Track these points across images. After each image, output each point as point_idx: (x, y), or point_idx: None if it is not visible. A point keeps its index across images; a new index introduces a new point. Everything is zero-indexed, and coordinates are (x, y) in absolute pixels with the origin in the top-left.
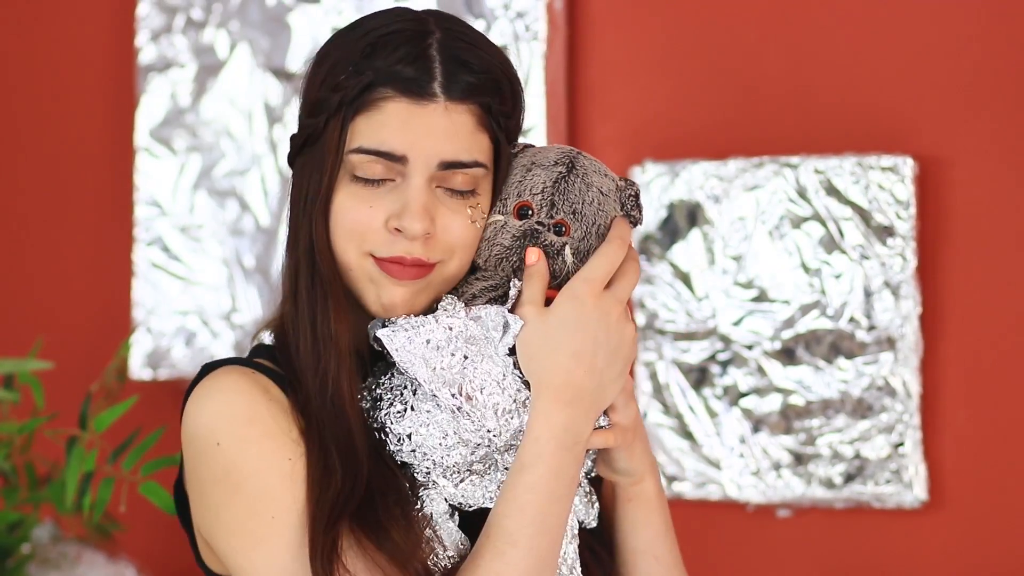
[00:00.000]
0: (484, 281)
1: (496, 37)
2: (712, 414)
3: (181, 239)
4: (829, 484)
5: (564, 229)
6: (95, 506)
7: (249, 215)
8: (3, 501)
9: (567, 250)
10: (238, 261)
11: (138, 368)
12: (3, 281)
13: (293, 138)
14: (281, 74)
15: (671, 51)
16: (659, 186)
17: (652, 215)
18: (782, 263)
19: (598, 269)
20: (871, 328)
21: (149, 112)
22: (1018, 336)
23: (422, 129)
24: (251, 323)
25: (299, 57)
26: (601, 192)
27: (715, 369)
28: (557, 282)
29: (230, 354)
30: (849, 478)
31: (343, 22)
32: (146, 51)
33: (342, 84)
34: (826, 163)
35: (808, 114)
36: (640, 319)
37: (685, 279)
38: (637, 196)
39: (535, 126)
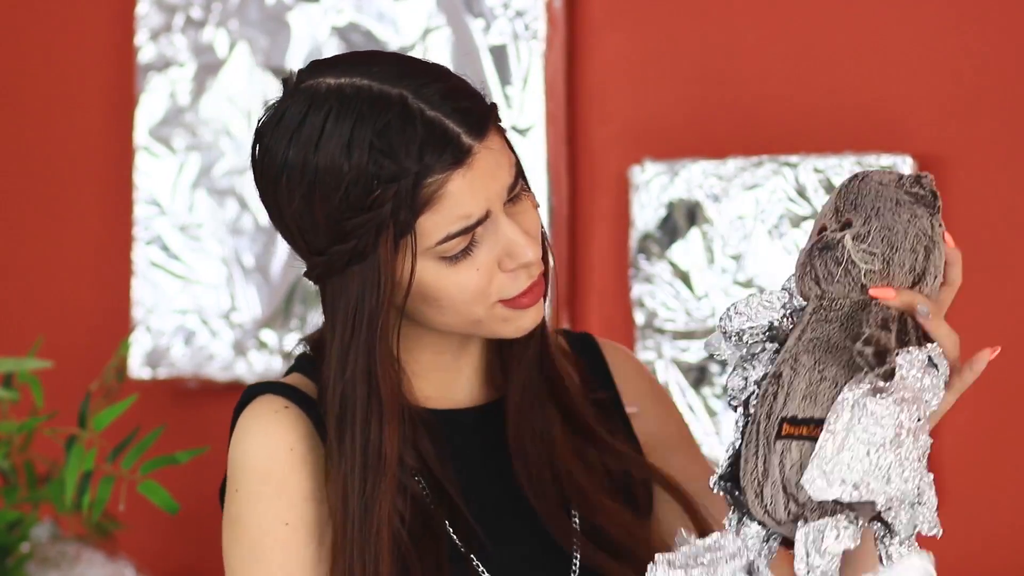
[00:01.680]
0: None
1: (495, 36)
2: (711, 413)
3: (180, 238)
4: None
5: (851, 224)
6: (94, 505)
7: (248, 214)
8: (2, 500)
9: (846, 236)
10: (237, 260)
11: (137, 367)
12: (2, 280)
13: (317, 264)
14: (280, 73)
15: (670, 50)
16: (658, 185)
17: (651, 214)
18: (781, 262)
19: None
20: None
21: (148, 111)
22: (1017, 335)
23: (483, 181)
24: (250, 322)
25: (299, 56)
26: (880, 183)
27: (714, 368)
28: (841, 269)
29: (228, 352)
30: None
31: (342, 21)
32: (145, 50)
33: (378, 200)
34: (825, 162)
35: (807, 113)
36: (639, 318)
37: (684, 278)
38: (919, 177)
39: (534, 125)
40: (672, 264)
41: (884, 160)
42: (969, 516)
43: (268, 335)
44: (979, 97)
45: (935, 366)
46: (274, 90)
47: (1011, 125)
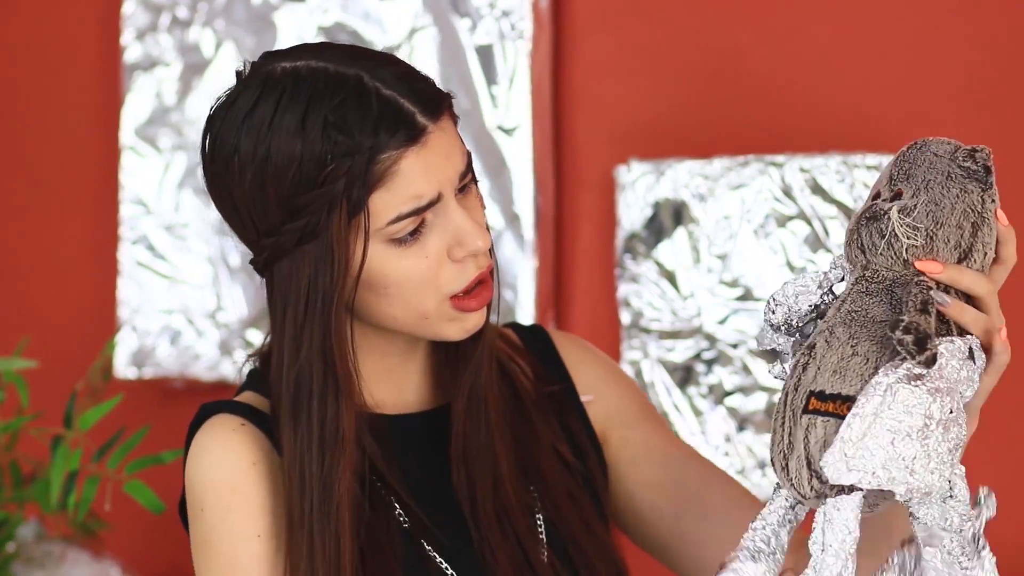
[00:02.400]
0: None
1: (481, 36)
2: (697, 413)
3: (166, 238)
4: None
5: (900, 196)
6: (80, 505)
7: None
8: None
9: (893, 209)
10: (223, 260)
11: (123, 367)
12: None
13: (265, 247)
14: None
15: (657, 50)
16: (644, 185)
17: (637, 214)
18: (767, 262)
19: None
20: None
21: (134, 111)
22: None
23: (437, 162)
24: (236, 322)
25: None
26: (935, 154)
27: (700, 368)
28: (884, 242)
29: (214, 352)
30: None
31: (328, 21)
32: (131, 50)
33: (331, 175)
34: (811, 162)
35: (793, 113)
36: (625, 318)
37: (670, 278)
38: (973, 150)
39: (520, 125)
40: (658, 264)
41: (869, 160)
42: None
43: (254, 335)
44: (964, 96)
45: (973, 359)
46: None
47: (995, 124)
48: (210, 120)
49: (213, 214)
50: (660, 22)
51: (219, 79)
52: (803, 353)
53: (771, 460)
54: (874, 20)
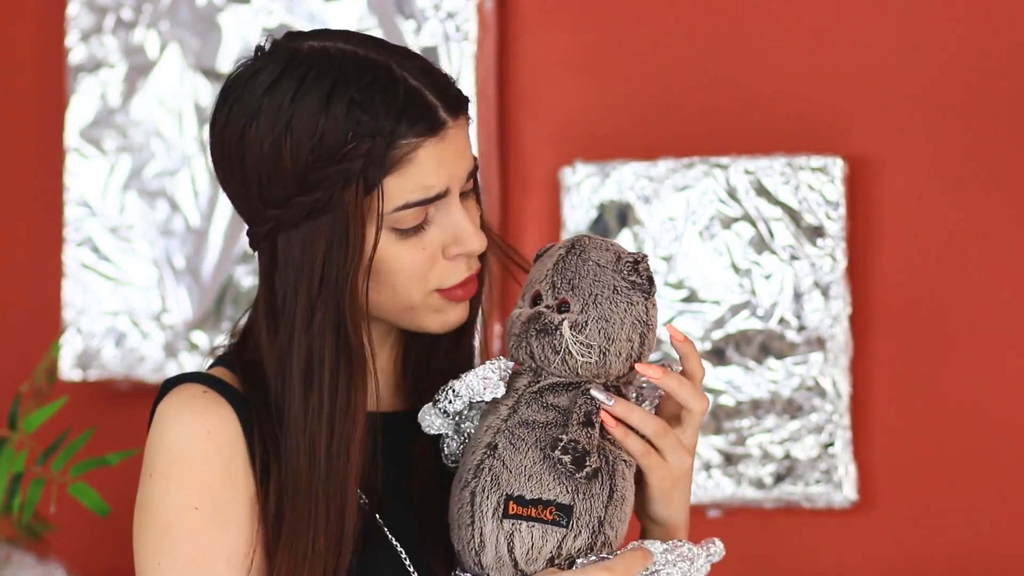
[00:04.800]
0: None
1: (426, 38)
2: None
3: (111, 240)
4: (759, 484)
5: (567, 307)
6: (25, 507)
7: (179, 215)
8: None
9: (565, 325)
10: (168, 262)
11: (68, 369)
12: None
13: (270, 218)
14: (211, 74)
15: (602, 51)
16: (589, 187)
17: (582, 215)
18: (712, 263)
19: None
20: (801, 328)
21: (79, 112)
22: (947, 336)
23: (451, 158)
24: (181, 324)
25: (229, 57)
26: (598, 264)
27: None
28: (559, 358)
29: (159, 354)
30: (779, 478)
31: (273, 22)
32: (76, 51)
33: (350, 153)
34: (756, 163)
35: (738, 114)
36: None
37: None
38: (636, 263)
39: None
40: None
41: (814, 161)
42: (899, 515)
43: (199, 336)
44: (909, 98)
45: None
46: (205, 91)
47: (941, 126)
48: (227, 90)
49: (158, 215)
50: (605, 24)
51: (164, 80)
52: (485, 453)
53: (456, 552)
54: (817, 22)
